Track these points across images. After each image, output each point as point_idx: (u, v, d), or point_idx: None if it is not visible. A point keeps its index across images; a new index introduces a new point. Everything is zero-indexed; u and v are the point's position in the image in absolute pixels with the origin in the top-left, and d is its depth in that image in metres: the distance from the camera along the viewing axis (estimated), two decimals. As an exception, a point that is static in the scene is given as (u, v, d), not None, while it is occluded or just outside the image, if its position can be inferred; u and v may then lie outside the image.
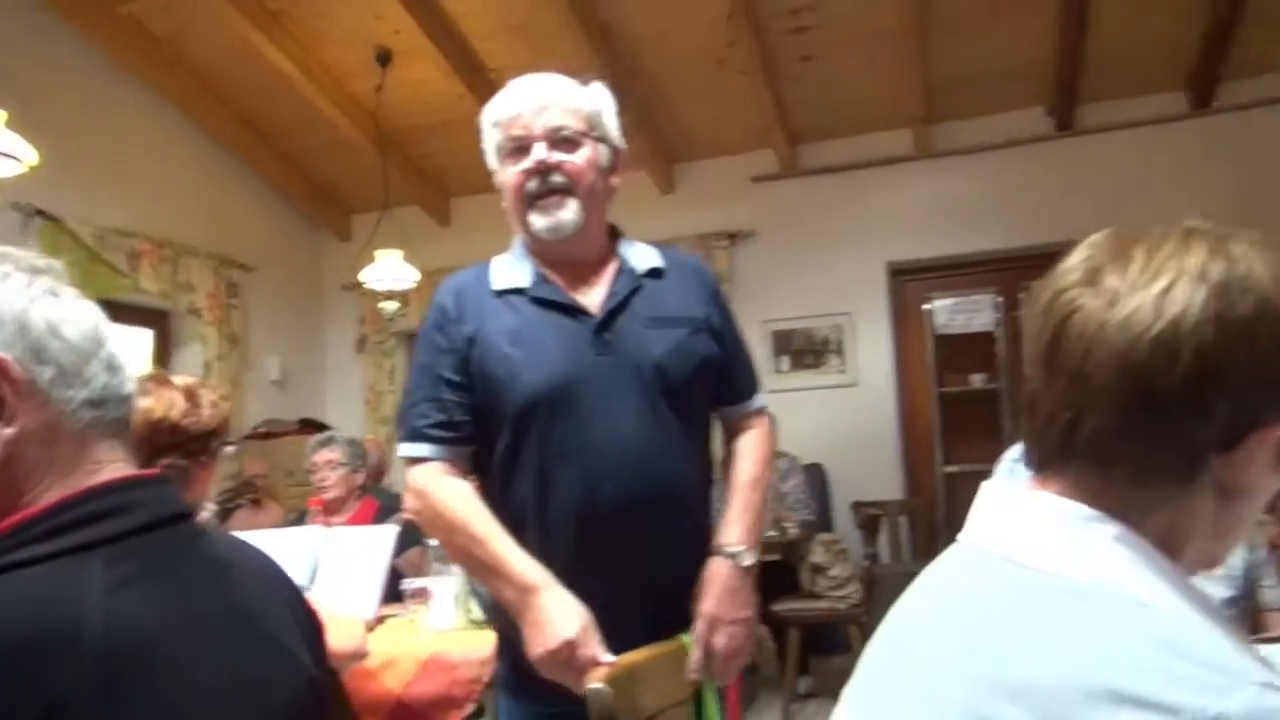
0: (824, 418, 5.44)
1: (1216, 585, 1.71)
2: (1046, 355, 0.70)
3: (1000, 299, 5.32)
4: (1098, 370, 0.66)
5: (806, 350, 5.66)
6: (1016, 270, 5.15)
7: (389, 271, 4.94)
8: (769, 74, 5.02)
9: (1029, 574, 0.67)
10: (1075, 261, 0.72)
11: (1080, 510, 0.68)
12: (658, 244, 1.63)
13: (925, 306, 5.48)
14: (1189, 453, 0.66)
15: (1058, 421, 0.69)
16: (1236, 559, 1.75)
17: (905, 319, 5.60)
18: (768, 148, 5.61)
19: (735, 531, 1.49)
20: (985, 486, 0.77)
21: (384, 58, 4.92)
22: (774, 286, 5.64)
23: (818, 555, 4.18)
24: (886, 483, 5.38)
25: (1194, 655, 0.58)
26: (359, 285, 5.25)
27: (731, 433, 1.62)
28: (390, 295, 5.06)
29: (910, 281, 5.61)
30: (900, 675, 0.71)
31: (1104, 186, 5.10)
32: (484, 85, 5.06)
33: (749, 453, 1.59)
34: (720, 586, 1.45)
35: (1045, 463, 0.72)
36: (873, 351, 5.55)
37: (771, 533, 4.10)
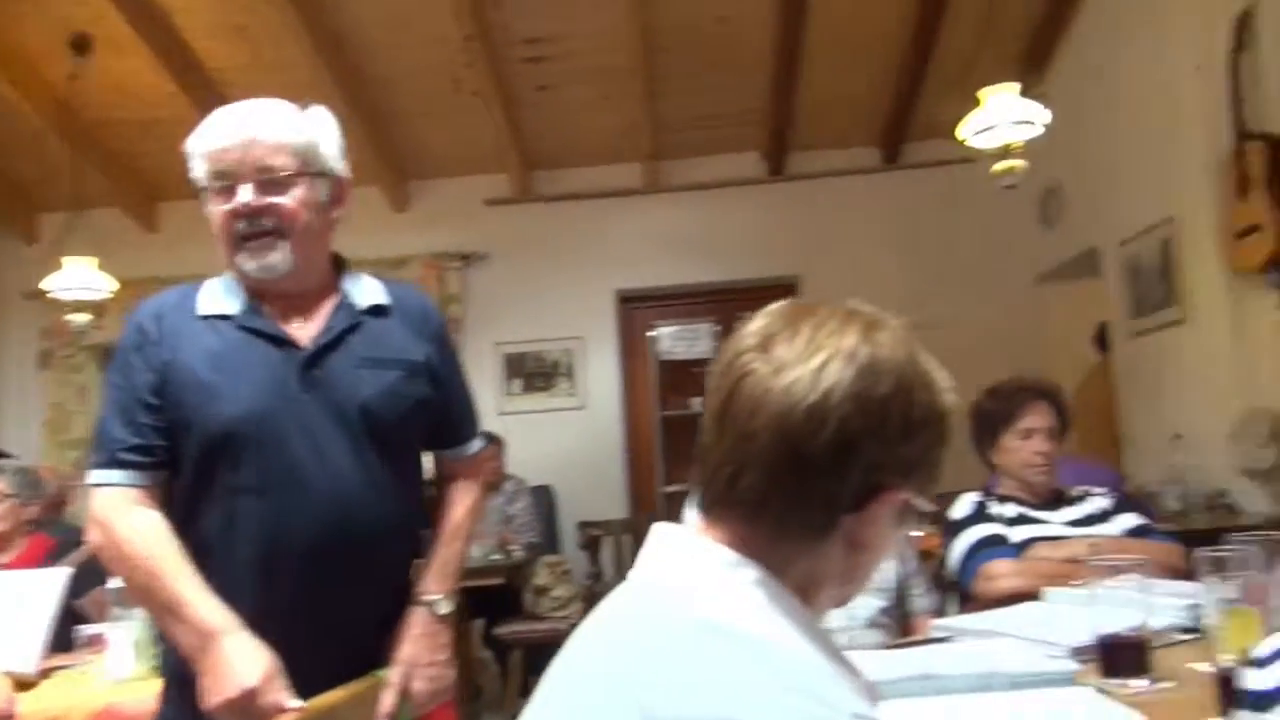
0: (554, 440, 5.54)
1: (872, 598, 1.92)
2: (720, 412, 0.77)
3: (718, 328, 5.67)
4: (759, 432, 0.73)
5: (538, 373, 5.74)
6: (733, 302, 5.52)
7: (79, 279, 4.47)
8: (505, 99, 5.07)
9: (680, 612, 0.73)
10: (754, 328, 0.79)
11: (729, 555, 0.75)
12: (386, 278, 1.59)
13: (650, 333, 5.74)
14: (826, 510, 0.74)
15: (722, 474, 0.76)
16: (890, 572, 1.98)
17: (632, 345, 5.83)
18: (503, 171, 5.66)
19: (434, 580, 1.50)
20: (656, 527, 0.83)
21: (80, 44, 4.47)
22: (507, 309, 5.68)
23: (541, 577, 4.23)
24: (612, 502, 5.56)
25: (808, 691, 0.65)
26: (43, 294, 4.70)
27: (446, 476, 1.62)
28: (80, 306, 4.56)
29: (637, 309, 5.85)
30: (569, 704, 0.75)
31: (810, 227, 5.62)
32: (201, 85, 4.73)
33: (460, 501, 1.59)
34: (417, 633, 1.46)
35: (710, 510, 0.79)
36: (601, 375, 5.72)
37: (496, 556, 4.11)
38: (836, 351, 0.74)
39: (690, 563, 0.76)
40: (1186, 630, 1.51)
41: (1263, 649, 0.48)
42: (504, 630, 4.16)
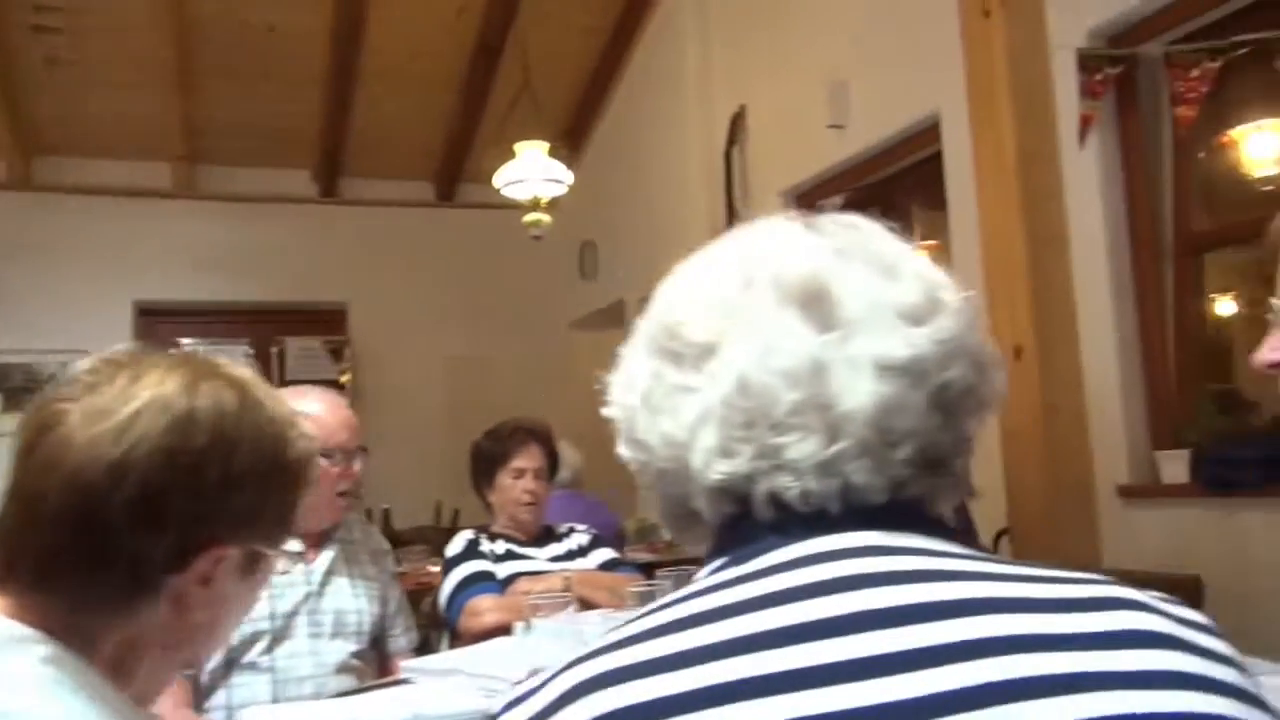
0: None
1: (345, 642, 1.87)
2: (18, 465, 0.68)
3: (252, 351, 5.32)
4: (53, 488, 0.65)
5: (27, 389, 4.94)
6: (271, 324, 5.24)
7: None
8: (2, 68, 4.35)
9: None
10: (80, 371, 0.71)
11: (17, 630, 0.65)
12: None
13: (173, 352, 5.21)
14: (136, 573, 0.67)
15: (9, 537, 0.67)
16: (365, 616, 1.93)
17: (151, 363, 5.25)
18: (-6, 152, 4.84)
19: None
20: None
21: None
22: (-11, 313, 4.84)
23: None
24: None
25: None
26: None
27: None
28: None
29: (161, 323, 5.30)
30: None
31: (361, 254, 5.51)
32: None
33: None
34: None
35: (1, 578, 0.68)
36: (109, 395, 5.08)
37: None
38: (152, 401, 0.69)
39: None
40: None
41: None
42: None
